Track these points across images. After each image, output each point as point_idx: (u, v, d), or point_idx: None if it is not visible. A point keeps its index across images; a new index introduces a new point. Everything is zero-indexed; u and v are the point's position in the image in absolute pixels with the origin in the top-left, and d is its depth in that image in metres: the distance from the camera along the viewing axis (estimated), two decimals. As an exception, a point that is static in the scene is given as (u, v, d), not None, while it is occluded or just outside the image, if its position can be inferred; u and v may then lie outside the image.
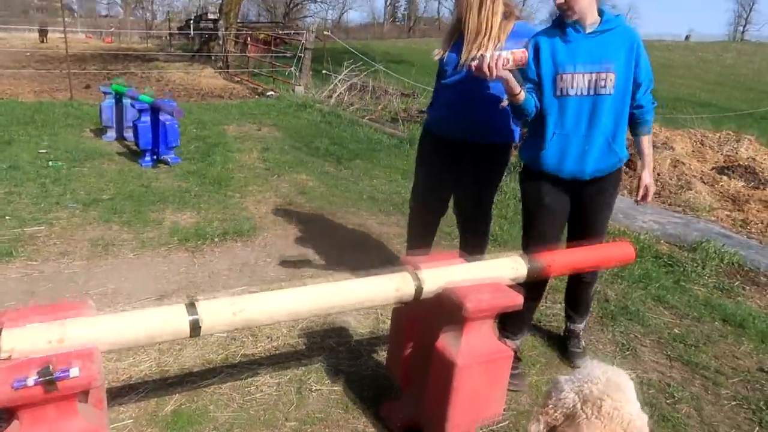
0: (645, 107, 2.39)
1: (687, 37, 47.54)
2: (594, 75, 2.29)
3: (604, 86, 2.29)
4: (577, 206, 2.54)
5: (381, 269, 3.44)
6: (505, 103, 2.63)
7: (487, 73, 2.22)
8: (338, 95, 10.91)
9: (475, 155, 2.82)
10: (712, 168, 6.68)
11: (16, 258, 3.44)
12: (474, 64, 2.29)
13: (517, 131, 2.88)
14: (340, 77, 11.28)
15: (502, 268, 2.04)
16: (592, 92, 2.31)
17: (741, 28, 64.30)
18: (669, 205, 5.47)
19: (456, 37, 2.76)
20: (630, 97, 2.36)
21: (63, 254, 3.57)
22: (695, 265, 4.00)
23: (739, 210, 5.45)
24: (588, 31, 2.31)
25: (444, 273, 1.94)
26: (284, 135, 7.82)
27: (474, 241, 3.11)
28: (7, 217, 4.04)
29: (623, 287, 3.62)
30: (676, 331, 3.14)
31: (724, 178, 6.28)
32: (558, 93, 2.35)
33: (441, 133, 2.89)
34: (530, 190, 2.55)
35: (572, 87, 2.32)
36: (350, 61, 11.66)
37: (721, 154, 7.13)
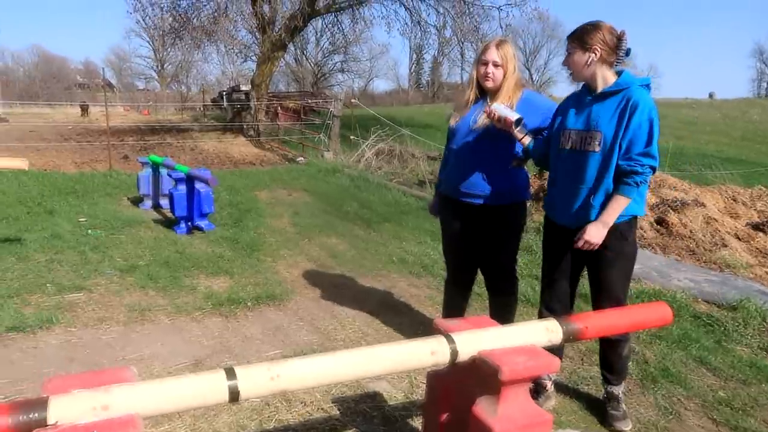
0: (621, 168, 2.36)
1: (711, 95, 47.67)
2: (585, 132, 2.45)
3: (590, 143, 2.42)
4: (586, 263, 2.64)
5: (414, 332, 3.42)
6: (515, 162, 2.87)
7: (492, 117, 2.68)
8: (366, 160, 11.18)
9: (487, 217, 2.91)
10: (747, 224, 6.56)
11: (56, 324, 3.53)
12: (485, 108, 2.75)
13: (528, 190, 3.02)
14: (367, 142, 11.59)
15: (538, 332, 2.03)
16: (581, 147, 2.46)
17: (765, 84, 64.25)
18: (704, 262, 5.36)
19: (470, 105, 2.94)
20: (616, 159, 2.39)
21: (101, 320, 3.65)
22: (736, 324, 3.87)
23: (778, 267, 5.31)
24: (597, 92, 2.45)
25: (479, 337, 1.93)
26: (314, 199, 7.99)
27: (501, 302, 3.11)
28: (48, 285, 4.17)
29: (662, 348, 3.52)
30: (721, 394, 3.02)
31: (760, 234, 6.15)
32: (559, 146, 2.56)
33: (453, 196, 2.99)
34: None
35: (567, 141, 2.51)
36: (377, 127, 12.00)
37: (755, 210, 7.02)
